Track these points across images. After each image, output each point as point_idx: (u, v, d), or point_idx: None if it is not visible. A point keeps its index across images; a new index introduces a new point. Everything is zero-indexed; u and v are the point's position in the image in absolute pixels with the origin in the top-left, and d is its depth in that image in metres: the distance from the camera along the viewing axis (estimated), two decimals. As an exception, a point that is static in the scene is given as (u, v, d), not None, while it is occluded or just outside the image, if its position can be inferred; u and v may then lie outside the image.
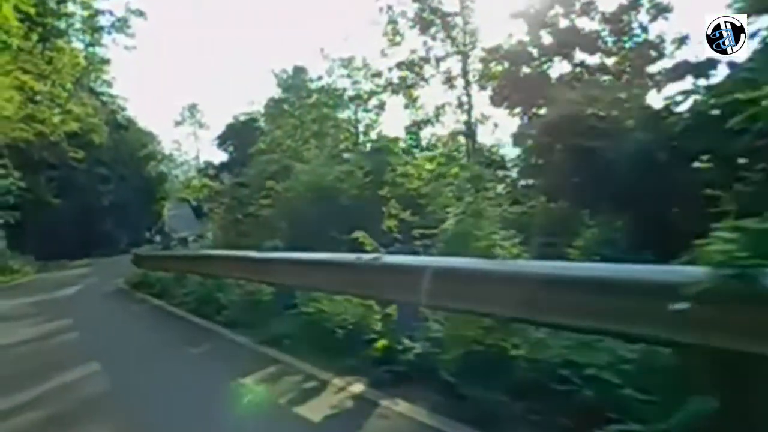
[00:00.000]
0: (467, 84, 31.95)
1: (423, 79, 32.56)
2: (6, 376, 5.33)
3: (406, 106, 33.95)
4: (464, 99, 31.64)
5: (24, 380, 5.05)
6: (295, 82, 45.67)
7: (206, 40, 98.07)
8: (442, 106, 31.64)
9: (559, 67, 24.90)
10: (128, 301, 11.53)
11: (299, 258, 5.75)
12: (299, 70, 46.20)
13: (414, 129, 33.46)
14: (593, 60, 25.11)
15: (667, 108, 10.64)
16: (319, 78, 41.85)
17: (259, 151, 33.21)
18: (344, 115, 41.01)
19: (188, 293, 10.04)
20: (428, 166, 9.53)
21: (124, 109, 43.16)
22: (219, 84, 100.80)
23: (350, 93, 40.17)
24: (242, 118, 57.82)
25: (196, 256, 10.05)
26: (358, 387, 4.19)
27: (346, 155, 12.85)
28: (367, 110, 42.25)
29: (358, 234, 5.91)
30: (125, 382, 4.93)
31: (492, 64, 28.37)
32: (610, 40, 25.30)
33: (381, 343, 4.75)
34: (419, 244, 8.36)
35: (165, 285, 11.53)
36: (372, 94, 40.44)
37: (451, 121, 31.37)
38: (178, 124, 65.59)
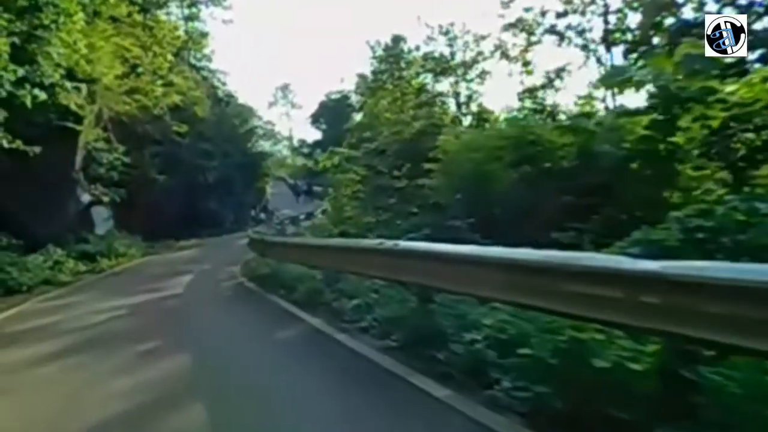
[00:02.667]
0: (607, 39, 27.61)
1: (558, 35, 28.53)
2: None
3: (524, 72, 30.11)
4: (600, 56, 28.11)
5: None
6: (393, 52, 42.60)
7: (298, 17, 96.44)
8: (563, 68, 28.58)
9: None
10: (264, 312, 7.93)
11: None
12: (398, 39, 43.03)
13: (529, 95, 29.77)
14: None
15: None
16: (417, 48, 39.06)
17: (357, 126, 30.93)
18: (444, 86, 38.17)
19: (358, 307, 6.38)
20: (742, 92, 5.15)
21: (224, 84, 41.55)
22: (311, 62, 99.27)
23: (454, 61, 37.32)
24: (334, 96, 56.20)
25: (376, 250, 5.97)
26: None
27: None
28: (468, 80, 39.28)
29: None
30: None
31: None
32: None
33: None
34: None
35: (309, 287, 7.98)
36: (476, 60, 37.40)
37: (572, 83, 28.38)
38: (271, 105, 64.61)
